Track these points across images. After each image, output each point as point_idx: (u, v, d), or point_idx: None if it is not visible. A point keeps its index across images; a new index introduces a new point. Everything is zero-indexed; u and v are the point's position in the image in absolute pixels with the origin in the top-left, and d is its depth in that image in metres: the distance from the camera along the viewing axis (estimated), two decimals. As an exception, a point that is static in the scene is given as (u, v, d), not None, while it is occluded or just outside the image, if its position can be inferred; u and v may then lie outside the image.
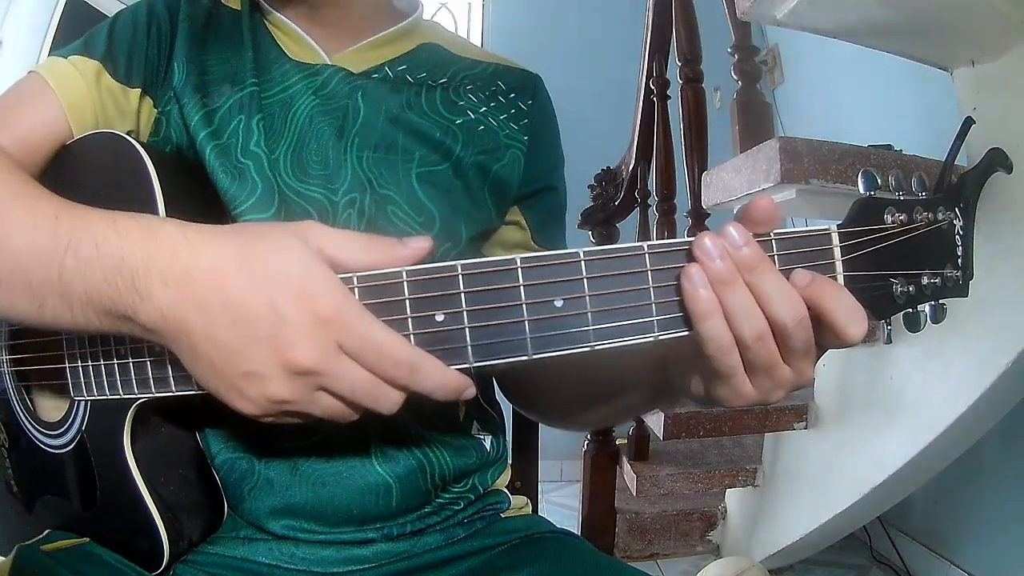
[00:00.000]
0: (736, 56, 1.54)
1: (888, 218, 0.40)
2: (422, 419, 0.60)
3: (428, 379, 0.39)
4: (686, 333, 0.39)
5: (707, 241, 0.37)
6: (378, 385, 0.38)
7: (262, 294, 0.37)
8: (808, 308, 0.38)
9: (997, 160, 0.41)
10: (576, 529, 1.92)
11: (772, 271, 0.38)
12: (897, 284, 0.40)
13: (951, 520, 1.72)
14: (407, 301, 0.39)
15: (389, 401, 0.39)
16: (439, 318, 0.39)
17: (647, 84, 1.85)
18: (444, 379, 0.39)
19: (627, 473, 1.80)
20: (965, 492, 1.67)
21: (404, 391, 0.39)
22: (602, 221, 1.97)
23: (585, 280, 0.39)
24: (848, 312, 0.38)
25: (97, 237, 0.39)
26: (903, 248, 0.40)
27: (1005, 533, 1.55)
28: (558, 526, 0.68)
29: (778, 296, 0.38)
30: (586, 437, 1.85)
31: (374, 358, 0.38)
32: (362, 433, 0.57)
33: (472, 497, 0.65)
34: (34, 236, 0.41)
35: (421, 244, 0.40)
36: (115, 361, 0.48)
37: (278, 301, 0.37)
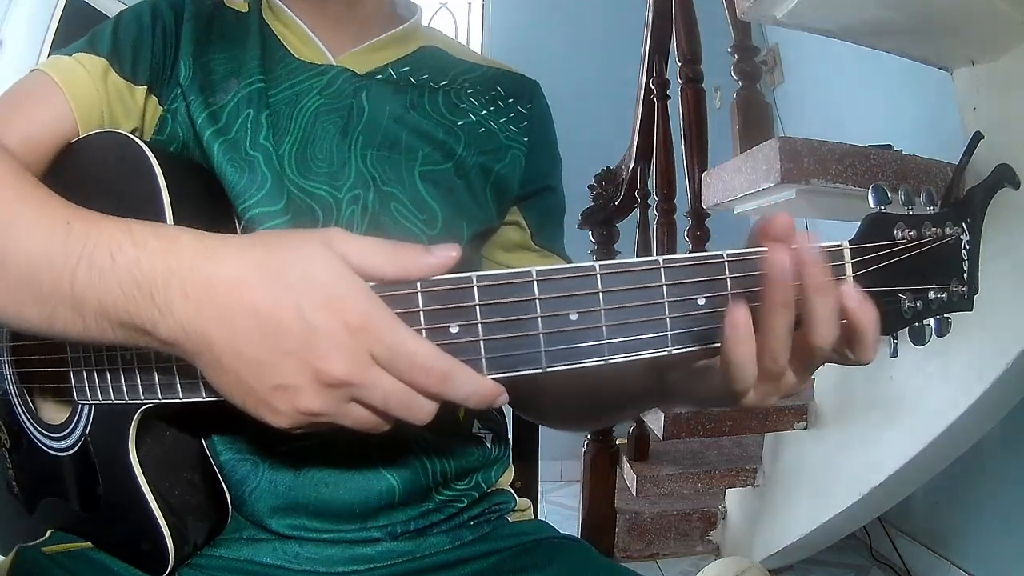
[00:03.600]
0: (736, 56, 1.53)
1: (898, 233, 0.40)
2: None
3: (461, 387, 0.37)
4: (698, 348, 0.39)
5: (785, 260, 0.36)
6: (411, 395, 0.37)
7: (290, 305, 0.36)
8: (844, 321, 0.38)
9: (1005, 176, 0.42)
10: (576, 529, 1.92)
11: (836, 298, 0.37)
12: (905, 299, 0.41)
13: (951, 520, 1.71)
14: (421, 313, 0.38)
15: (423, 411, 0.38)
16: (453, 330, 0.38)
17: (647, 84, 1.85)
18: (477, 387, 0.38)
19: (627, 473, 1.80)
20: (965, 492, 1.67)
21: (437, 400, 0.38)
22: (602, 221, 1.97)
23: (601, 294, 0.38)
24: (877, 335, 0.38)
25: (112, 246, 0.38)
26: (912, 263, 0.40)
27: (1005, 533, 1.55)
28: (559, 527, 0.68)
29: (831, 321, 0.37)
30: (586, 437, 1.85)
31: (406, 367, 0.36)
32: (364, 433, 0.58)
33: (476, 495, 0.65)
34: (45, 243, 0.39)
35: (448, 252, 0.38)
36: (120, 367, 0.47)
37: (307, 311, 0.35)
